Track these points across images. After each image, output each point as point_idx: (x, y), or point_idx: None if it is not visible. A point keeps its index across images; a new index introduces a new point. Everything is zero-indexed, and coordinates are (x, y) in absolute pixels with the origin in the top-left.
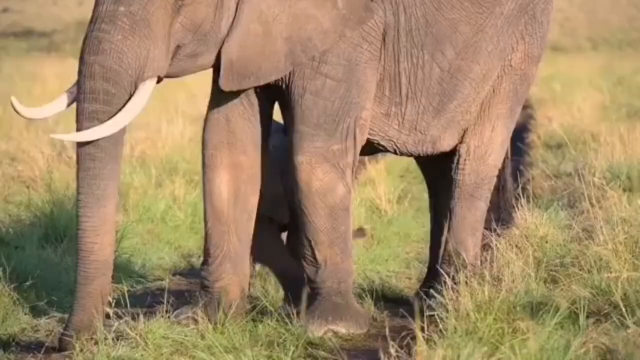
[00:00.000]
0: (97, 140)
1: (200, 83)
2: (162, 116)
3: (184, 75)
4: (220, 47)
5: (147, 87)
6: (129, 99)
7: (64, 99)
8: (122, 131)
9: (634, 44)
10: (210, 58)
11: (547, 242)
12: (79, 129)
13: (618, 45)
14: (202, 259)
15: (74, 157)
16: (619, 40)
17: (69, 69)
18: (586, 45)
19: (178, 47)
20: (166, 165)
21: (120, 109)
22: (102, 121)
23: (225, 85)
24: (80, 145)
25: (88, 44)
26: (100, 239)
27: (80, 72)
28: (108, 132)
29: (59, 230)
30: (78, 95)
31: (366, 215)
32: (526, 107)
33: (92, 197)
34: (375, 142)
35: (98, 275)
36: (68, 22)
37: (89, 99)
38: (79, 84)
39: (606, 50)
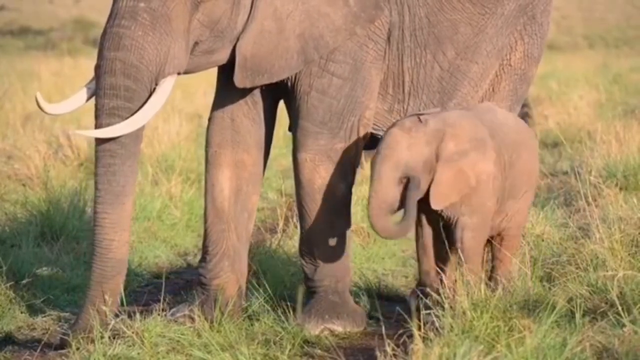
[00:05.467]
0: (118, 136)
1: (197, 81)
2: (158, 114)
3: (199, 71)
4: (235, 44)
5: (168, 84)
6: (150, 95)
7: (82, 94)
8: (142, 127)
9: (631, 42)
10: (225, 54)
11: (543, 240)
12: (98, 125)
13: (615, 44)
14: (198, 257)
15: (70, 155)
16: (616, 38)
17: (66, 67)
18: (583, 44)
19: (196, 43)
20: (162, 163)
21: (141, 106)
22: (123, 117)
23: (239, 82)
24: (100, 141)
25: (107, 39)
26: (119, 236)
27: (99, 68)
28: (130, 129)
29: (55, 229)
30: (97, 91)
31: (362, 213)
32: (523, 105)
33: (111, 193)
34: (378, 136)
35: (114, 273)
36: (65, 20)
37: (109, 95)
38: (98, 80)
39: (603, 48)
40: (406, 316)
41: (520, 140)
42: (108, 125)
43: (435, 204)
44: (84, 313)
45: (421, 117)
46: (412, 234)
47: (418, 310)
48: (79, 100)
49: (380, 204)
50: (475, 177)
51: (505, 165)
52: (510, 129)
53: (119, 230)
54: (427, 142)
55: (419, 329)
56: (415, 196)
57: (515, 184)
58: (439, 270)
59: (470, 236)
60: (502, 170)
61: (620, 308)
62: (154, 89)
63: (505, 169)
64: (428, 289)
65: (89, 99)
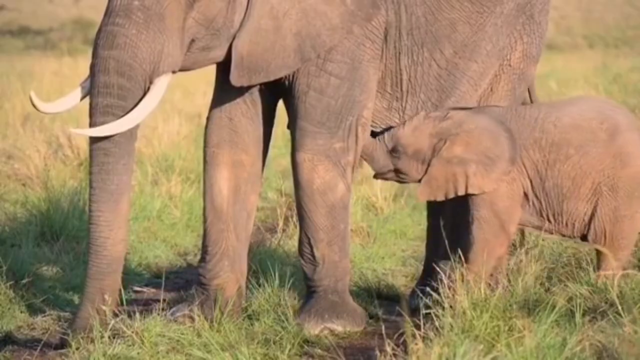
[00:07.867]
0: (112, 135)
1: (196, 81)
2: (158, 114)
3: (197, 68)
4: (232, 42)
5: (163, 82)
6: (144, 94)
7: (77, 93)
8: (136, 126)
9: (630, 42)
10: (222, 52)
11: (543, 239)
12: (92, 124)
13: (614, 44)
14: (198, 257)
15: (70, 155)
16: (615, 38)
17: (65, 67)
18: (582, 44)
19: (192, 40)
20: (162, 163)
21: (135, 104)
22: (116, 116)
23: (236, 80)
24: (94, 140)
25: (102, 38)
26: (114, 234)
27: (93, 67)
28: (125, 128)
29: (55, 229)
30: (91, 89)
31: (362, 213)
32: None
33: (105, 192)
34: (378, 133)
35: (110, 271)
36: (64, 20)
37: (103, 94)
38: (92, 78)
39: (602, 48)
40: (405, 316)
41: (569, 140)
42: (102, 123)
43: (420, 194)
44: (82, 311)
45: (450, 112)
46: (411, 234)
47: (416, 309)
48: (74, 99)
49: (370, 159)
50: (465, 188)
51: (538, 165)
52: (557, 129)
53: (113, 228)
54: (430, 134)
55: (419, 328)
56: (385, 158)
57: (564, 184)
58: (438, 269)
59: (477, 226)
60: (529, 171)
61: (620, 308)
62: (149, 87)
63: (537, 170)
64: (428, 288)
65: (83, 97)
